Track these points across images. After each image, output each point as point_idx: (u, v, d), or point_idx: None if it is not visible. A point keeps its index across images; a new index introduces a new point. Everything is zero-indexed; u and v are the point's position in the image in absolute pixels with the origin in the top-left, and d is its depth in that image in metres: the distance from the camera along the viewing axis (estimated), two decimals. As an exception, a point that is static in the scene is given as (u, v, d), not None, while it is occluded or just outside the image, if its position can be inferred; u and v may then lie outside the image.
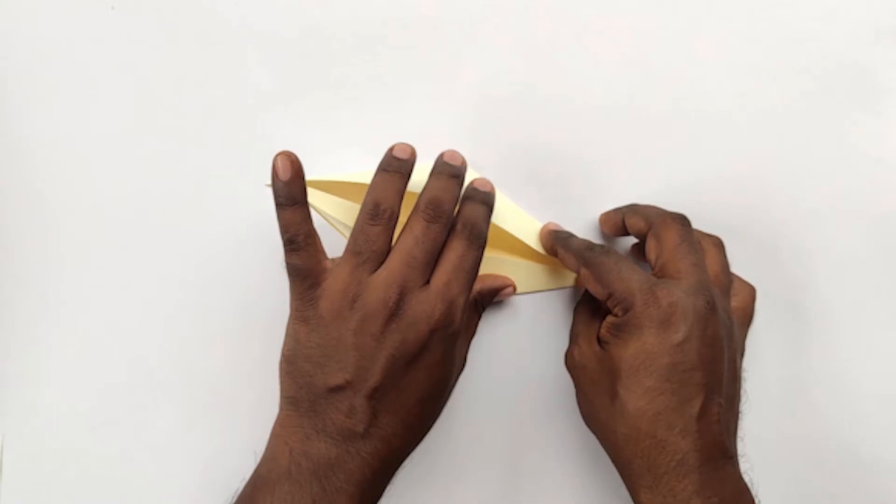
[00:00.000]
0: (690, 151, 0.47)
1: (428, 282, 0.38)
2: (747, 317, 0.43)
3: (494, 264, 0.45)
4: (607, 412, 0.39)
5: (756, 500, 0.38)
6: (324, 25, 0.47)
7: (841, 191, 0.47)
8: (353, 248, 0.38)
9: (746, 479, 0.38)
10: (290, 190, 0.38)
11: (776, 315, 0.46)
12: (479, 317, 0.44)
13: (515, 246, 0.45)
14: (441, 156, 0.41)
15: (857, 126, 0.47)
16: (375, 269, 0.38)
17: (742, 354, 0.42)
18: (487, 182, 0.42)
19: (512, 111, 0.47)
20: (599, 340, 0.40)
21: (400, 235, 0.39)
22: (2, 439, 0.46)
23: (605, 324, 0.40)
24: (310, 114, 0.47)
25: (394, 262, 0.38)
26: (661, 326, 0.37)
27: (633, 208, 0.44)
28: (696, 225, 0.45)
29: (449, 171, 0.40)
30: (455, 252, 0.38)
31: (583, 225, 0.47)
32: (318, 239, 0.39)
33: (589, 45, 0.47)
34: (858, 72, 0.48)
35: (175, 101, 0.47)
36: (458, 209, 0.40)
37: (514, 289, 0.45)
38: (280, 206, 0.38)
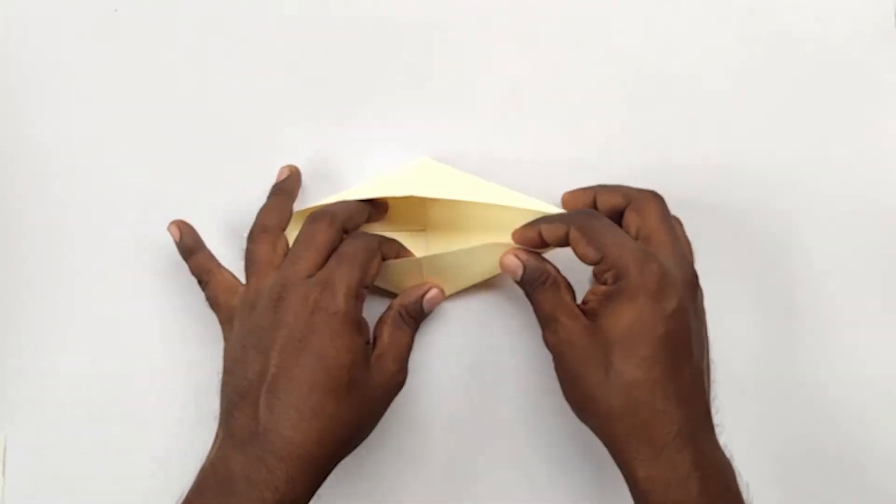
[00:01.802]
0: (688, 151, 0.47)
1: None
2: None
3: (483, 250, 0.44)
4: (601, 387, 0.38)
5: (737, 472, 0.38)
6: (328, 28, 0.48)
7: (838, 190, 0.47)
8: (245, 269, 0.42)
9: (726, 451, 0.39)
10: (185, 244, 0.44)
11: (771, 313, 0.46)
12: (412, 332, 0.43)
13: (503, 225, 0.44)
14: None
15: (855, 126, 0.48)
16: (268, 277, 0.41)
17: None
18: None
19: (510, 102, 0.47)
20: (585, 313, 0.39)
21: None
22: (4, 439, 0.46)
23: (594, 294, 0.39)
24: (314, 117, 0.48)
25: (281, 266, 0.41)
26: (655, 296, 0.38)
27: (606, 186, 0.44)
28: (691, 220, 0.45)
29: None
30: (342, 245, 0.41)
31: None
32: (225, 271, 0.43)
33: (589, 48, 0.48)
34: (858, 72, 0.48)
35: (179, 103, 0.48)
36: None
37: (443, 293, 0.44)
38: (185, 259, 0.44)
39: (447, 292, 0.46)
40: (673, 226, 0.41)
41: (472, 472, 0.46)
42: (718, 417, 0.39)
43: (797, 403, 0.46)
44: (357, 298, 0.40)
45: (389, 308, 0.43)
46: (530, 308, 0.42)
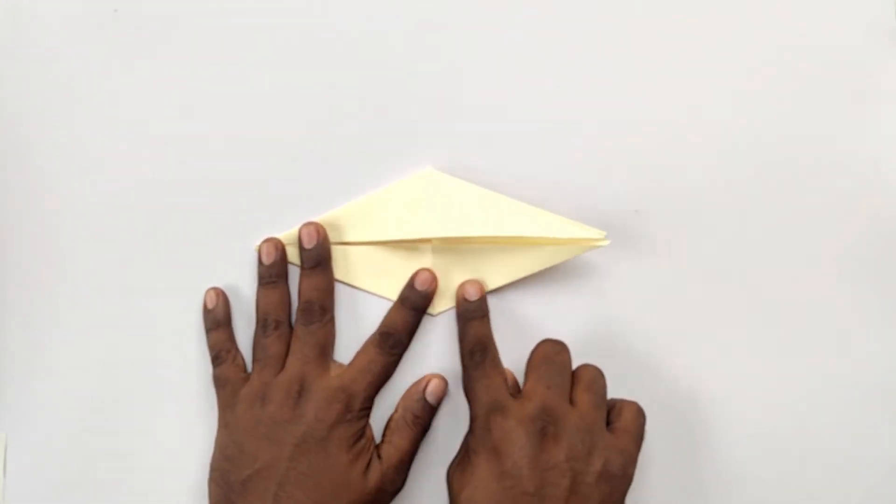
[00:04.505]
0: (685, 150, 0.47)
1: (328, 372, 0.43)
2: (632, 436, 0.42)
3: (479, 254, 0.46)
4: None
5: None
6: (330, 30, 0.48)
7: (836, 190, 0.47)
8: (255, 359, 0.44)
9: None
10: (215, 316, 0.45)
11: (768, 314, 0.47)
12: (417, 434, 0.44)
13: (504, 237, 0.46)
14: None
15: (851, 125, 0.48)
16: (279, 372, 0.43)
17: (625, 478, 0.41)
18: (429, 279, 0.44)
19: (511, 111, 0.48)
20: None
21: (291, 344, 0.44)
22: (5, 438, 0.46)
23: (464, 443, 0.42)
24: (313, 116, 0.48)
25: (291, 363, 0.43)
26: (492, 453, 0.40)
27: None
28: (691, 220, 0.46)
29: (309, 263, 0.44)
30: (367, 355, 0.44)
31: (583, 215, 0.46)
32: (240, 355, 0.45)
33: (590, 51, 0.48)
34: (855, 72, 0.48)
35: (178, 104, 0.47)
36: (391, 312, 0.45)
37: (445, 382, 0.45)
38: (207, 330, 0.45)
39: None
40: (552, 373, 0.41)
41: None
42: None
43: (795, 402, 0.47)
44: (370, 409, 0.43)
45: (396, 410, 0.44)
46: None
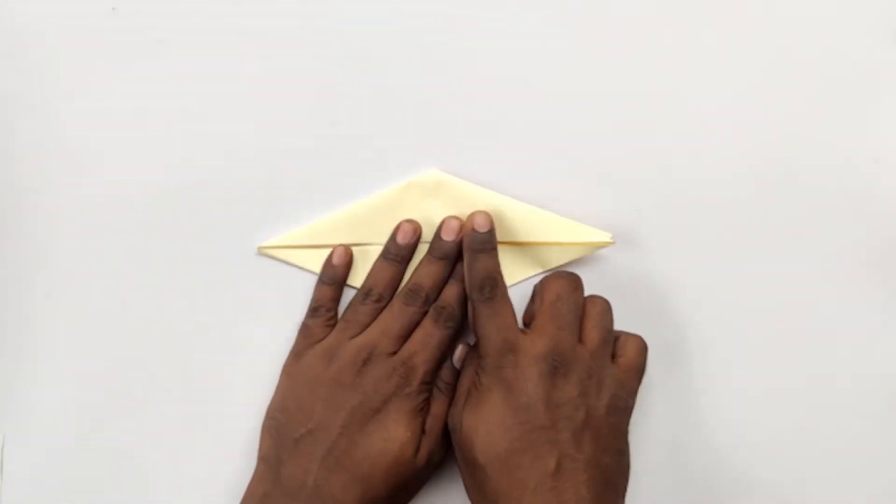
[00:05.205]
0: (687, 150, 0.47)
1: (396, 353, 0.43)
2: (635, 370, 0.43)
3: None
4: (473, 478, 0.40)
5: None
6: (331, 31, 0.48)
7: (839, 191, 0.47)
8: (343, 318, 0.45)
9: None
10: (335, 273, 0.46)
11: (769, 313, 0.47)
12: (449, 405, 0.44)
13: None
14: (438, 229, 0.45)
15: (855, 126, 0.48)
16: (357, 336, 0.44)
17: (627, 410, 0.42)
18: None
19: (515, 112, 0.47)
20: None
21: (382, 313, 0.44)
22: (2, 440, 0.46)
23: (469, 384, 0.42)
24: (317, 116, 0.47)
25: (371, 330, 0.44)
26: (507, 390, 0.40)
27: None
28: (692, 220, 0.46)
29: (438, 252, 0.45)
30: (424, 330, 0.44)
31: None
32: (335, 320, 0.46)
33: (590, 44, 0.48)
34: (858, 72, 0.48)
35: (176, 102, 0.47)
36: (444, 289, 0.45)
37: (466, 345, 0.45)
38: (321, 282, 0.46)
39: None
40: (565, 311, 0.41)
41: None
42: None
43: (796, 402, 0.47)
44: (429, 384, 0.43)
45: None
46: None
